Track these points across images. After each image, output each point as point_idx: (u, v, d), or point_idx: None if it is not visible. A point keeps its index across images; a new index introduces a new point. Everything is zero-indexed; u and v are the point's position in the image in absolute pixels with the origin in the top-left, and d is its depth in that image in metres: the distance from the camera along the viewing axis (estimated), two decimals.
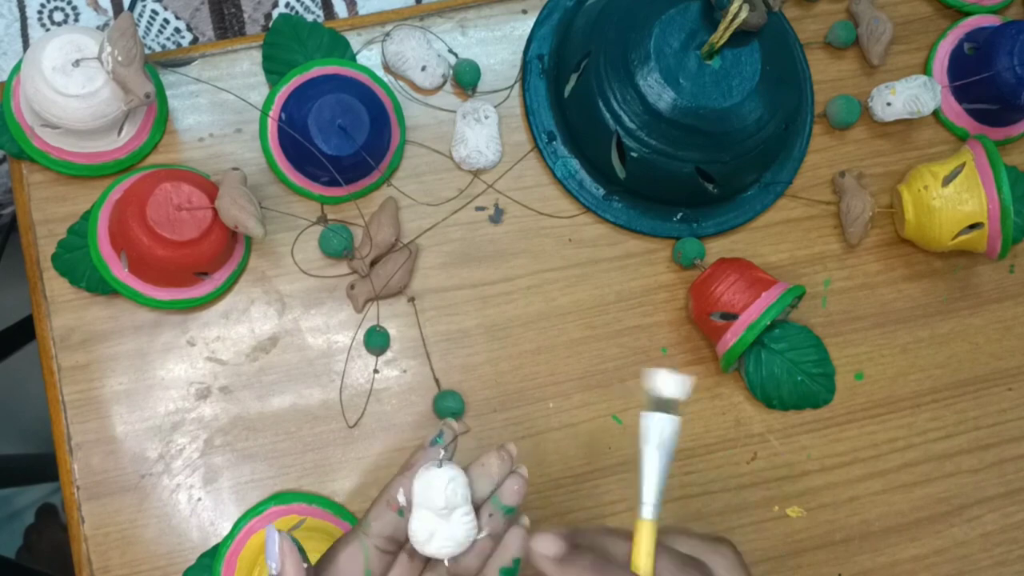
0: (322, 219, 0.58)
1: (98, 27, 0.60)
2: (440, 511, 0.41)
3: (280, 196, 0.59)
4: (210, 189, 0.53)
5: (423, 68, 0.60)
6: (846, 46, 0.65)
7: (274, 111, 0.57)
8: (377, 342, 0.57)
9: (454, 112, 0.60)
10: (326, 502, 0.55)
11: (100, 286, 0.55)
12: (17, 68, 0.55)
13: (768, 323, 0.55)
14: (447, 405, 0.57)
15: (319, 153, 0.54)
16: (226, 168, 0.55)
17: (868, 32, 0.64)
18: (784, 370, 0.59)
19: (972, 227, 0.59)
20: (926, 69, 0.66)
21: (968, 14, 0.66)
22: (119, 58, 0.51)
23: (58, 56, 0.52)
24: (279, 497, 0.55)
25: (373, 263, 0.58)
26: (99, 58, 0.52)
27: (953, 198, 0.58)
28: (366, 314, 0.58)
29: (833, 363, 0.61)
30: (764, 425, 0.61)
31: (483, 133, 0.60)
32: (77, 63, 0.52)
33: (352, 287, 0.58)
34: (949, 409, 0.63)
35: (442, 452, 0.42)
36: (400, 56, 0.60)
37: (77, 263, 0.55)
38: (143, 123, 0.57)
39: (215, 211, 0.52)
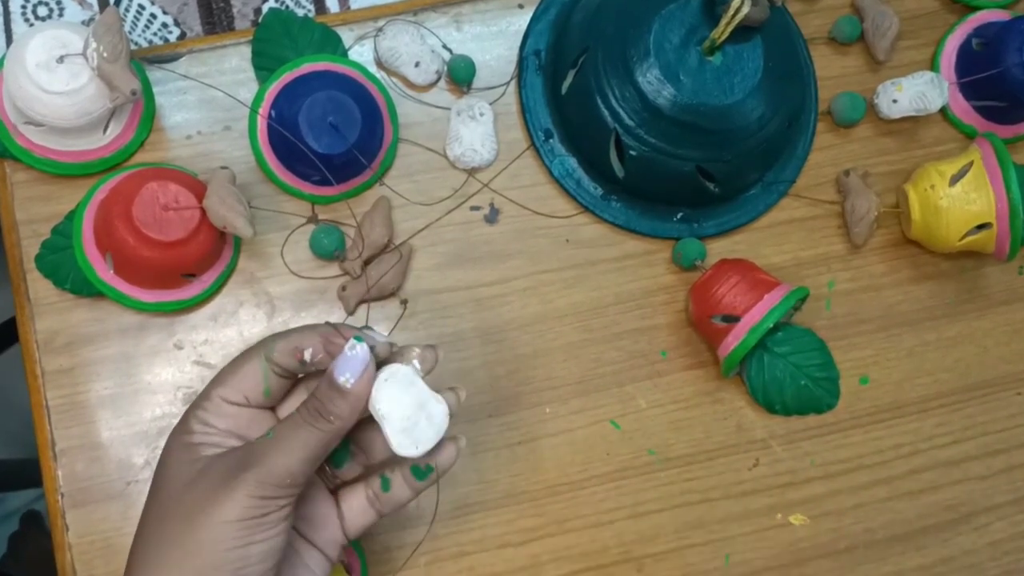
0: (313, 219, 0.57)
1: (83, 22, 0.58)
2: (413, 411, 0.42)
3: (270, 195, 0.57)
4: (198, 188, 0.52)
5: (417, 64, 0.59)
6: (851, 41, 0.64)
7: (264, 108, 0.56)
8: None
9: (448, 109, 0.59)
10: None
11: (85, 288, 0.54)
12: (0, 64, 0.54)
13: (771, 326, 0.54)
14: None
15: (310, 151, 0.53)
16: (214, 167, 0.54)
17: (874, 27, 0.63)
18: (787, 374, 0.58)
19: (980, 227, 0.57)
20: (933, 65, 0.64)
21: (976, 9, 0.65)
22: (104, 54, 0.50)
23: (42, 52, 0.51)
24: None
25: (365, 264, 0.57)
26: (84, 54, 0.51)
27: (960, 198, 0.57)
28: (355, 316, 0.57)
29: (837, 367, 0.60)
30: (766, 431, 0.59)
31: (478, 131, 0.58)
32: (61, 59, 0.51)
33: (344, 289, 0.56)
34: (957, 414, 0.61)
35: (369, 349, 0.42)
36: (393, 52, 0.58)
37: (61, 264, 0.54)
38: (129, 121, 0.55)
39: (203, 211, 0.51)
